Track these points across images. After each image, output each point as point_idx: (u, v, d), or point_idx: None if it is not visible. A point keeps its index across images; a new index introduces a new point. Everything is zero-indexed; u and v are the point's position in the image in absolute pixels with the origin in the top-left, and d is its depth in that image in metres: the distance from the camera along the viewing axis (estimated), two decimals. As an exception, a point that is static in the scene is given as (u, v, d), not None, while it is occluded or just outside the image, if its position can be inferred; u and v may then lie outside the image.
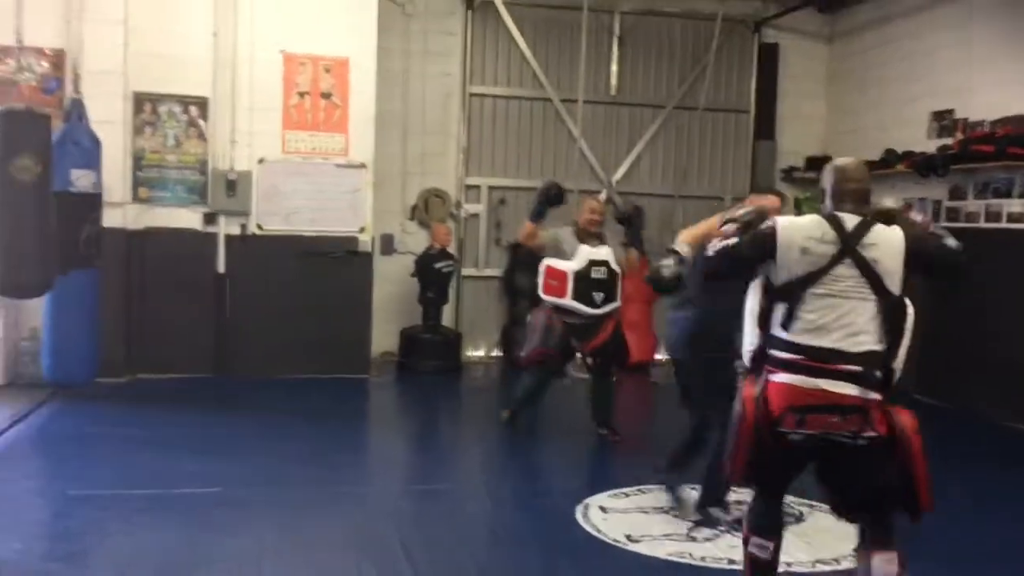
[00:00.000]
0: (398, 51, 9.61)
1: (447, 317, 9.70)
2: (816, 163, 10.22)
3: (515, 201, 10.14)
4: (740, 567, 4.26)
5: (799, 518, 5.05)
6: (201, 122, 8.25)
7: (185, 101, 8.21)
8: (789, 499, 5.14)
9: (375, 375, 8.87)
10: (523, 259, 9.90)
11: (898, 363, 3.31)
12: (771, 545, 3.53)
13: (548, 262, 6.35)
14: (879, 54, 9.77)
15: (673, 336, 4.97)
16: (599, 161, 10.23)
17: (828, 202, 3.44)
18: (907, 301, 3.31)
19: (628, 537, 4.62)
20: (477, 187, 10.10)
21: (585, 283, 6.20)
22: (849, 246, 3.28)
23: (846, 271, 3.28)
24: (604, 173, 10.24)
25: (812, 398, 3.24)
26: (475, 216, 10.11)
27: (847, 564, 4.37)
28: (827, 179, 3.49)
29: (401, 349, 9.43)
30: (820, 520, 4.98)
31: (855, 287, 3.27)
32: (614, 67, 10.23)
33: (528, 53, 10.02)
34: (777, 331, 3.35)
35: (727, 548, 4.53)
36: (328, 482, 5.49)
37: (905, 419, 3.30)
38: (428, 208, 9.92)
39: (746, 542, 3.59)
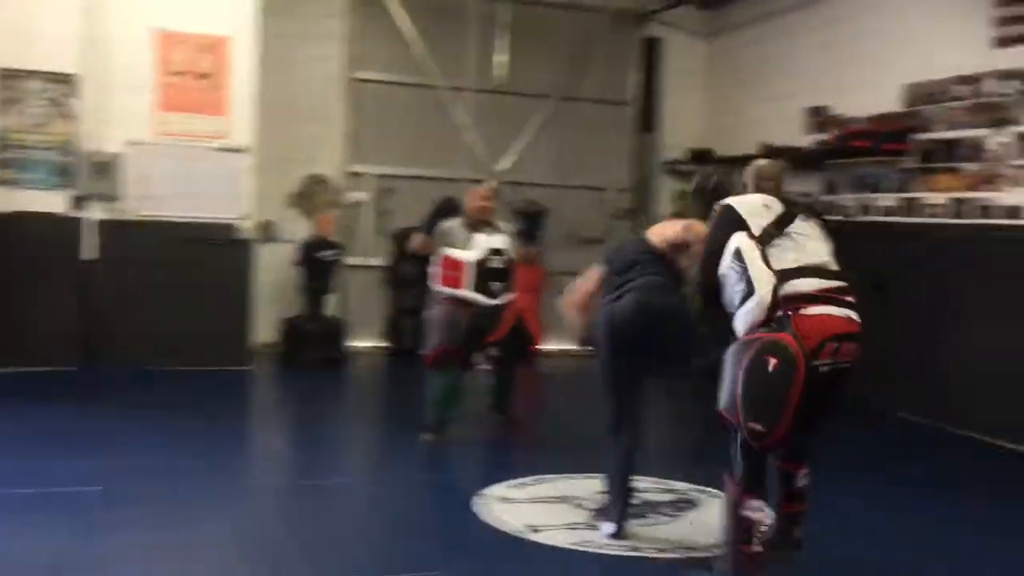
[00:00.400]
0: (279, 33, 9.27)
1: (331, 307, 9.46)
2: (698, 156, 10.47)
3: (401, 189, 9.98)
4: (643, 553, 4.29)
5: (692, 504, 5.10)
6: (68, 100, 7.77)
7: (51, 78, 7.72)
8: (683, 486, 5.25)
9: (256, 367, 8.57)
10: (408, 248, 9.79)
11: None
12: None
13: (446, 251, 6.12)
14: (756, 51, 10.03)
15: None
16: (485, 150, 10.16)
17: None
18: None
19: (529, 527, 4.56)
20: (362, 175, 9.89)
21: (483, 273, 6.03)
22: (800, 207, 3.80)
23: (805, 224, 3.72)
24: (490, 162, 10.18)
25: (842, 326, 3.47)
26: (360, 204, 9.89)
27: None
28: (748, 177, 4.08)
29: (283, 340, 9.15)
30: (715, 507, 5.05)
31: (816, 232, 3.74)
32: (501, 56, 10.18)
33: (412, 39, 9.86)
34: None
35: (629, 535, 4.52)
36: (214, 478, 5.24)
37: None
38: (310, 195, 9.65)
39: (741, 505, 3.60)
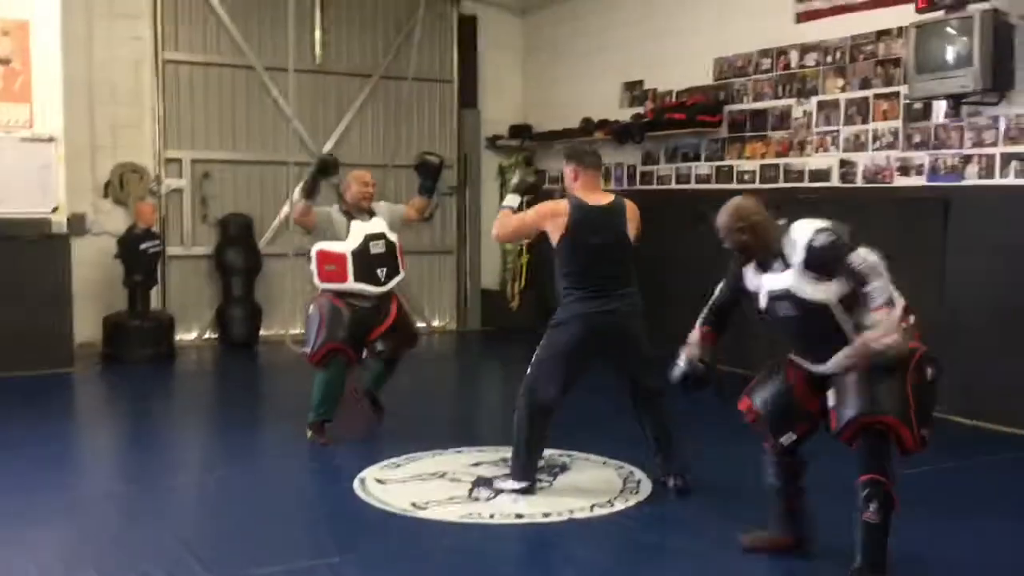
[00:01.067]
0: (80, 11, 8.75)
1: (153, 301, 9.05)
2: (518, 131, 10.70)
3: (221, 175, 9.66)
4: (528, 520, 4.45)
5: (564, 468, 5.30)
6: None
7: None
8: (549, 452, 5.42)
9: (79, 369, 8.10)
10: (234, 235, 9.51)
11: None
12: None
13: (319, 246, 5.77)
14: (570, 27, 10.33)
15: None
16: (308, 132, 9.97)
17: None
18: None
19: (414, 505, 4.62)
20: (178, 161, 9.48)
21: (366, 261, 5.73)
22: None
23: None
24: (314, 144, 10.00)
25: None
26: (178, 192, 9.49)
27: (619, 505, 4.69)
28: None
29: (106, 338, 8.68)
30: (585, 468, 5.29)
31: None
32: (318, 35, 10.00)
33: (226, 18, 9.52)
34: None
35: (510, 504, 4.66)
36: (69, 485, 4.97)
37: None
38: (124, 184, 9.17)
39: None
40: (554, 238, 4.85)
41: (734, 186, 8.31)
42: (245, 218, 9.62)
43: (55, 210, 7.86)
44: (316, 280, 5.86)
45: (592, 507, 4.65)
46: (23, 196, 7.71)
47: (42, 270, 7.80)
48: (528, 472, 4.86)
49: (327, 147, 10.06)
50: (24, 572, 3.79)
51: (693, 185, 8.77)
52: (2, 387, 7.29)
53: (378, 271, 5.80)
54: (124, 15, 9.09)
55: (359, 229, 5.81)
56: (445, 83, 10.73)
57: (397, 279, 5.96)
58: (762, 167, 8.07)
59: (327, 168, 5.86)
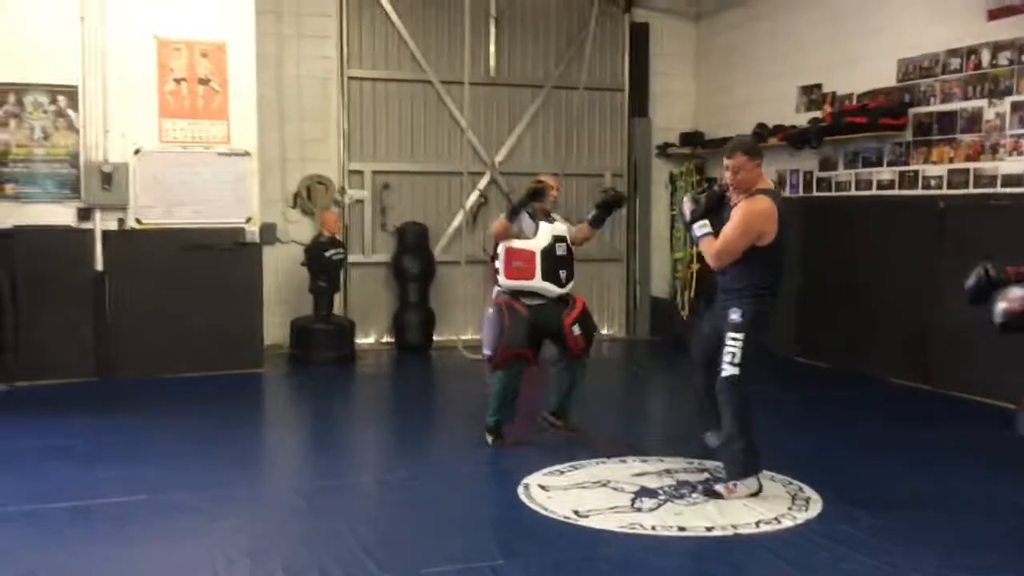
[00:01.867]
0: (272, 34, 9.31)
1: (336, 306, 9.51)
2: (689, 138, 10.58)
3: (399, 185, 10.04)
4: (691, 533, 4.41)
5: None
6: (71, 112, 7.76)
7: (52, 90, 7.71)
8: (713, 464, 5.33)
9: (268, 369, 8.60)
10: (410, 243, 9.86)
11: None
12: None
13: (508, 244, 5.87)
14: (745, 31, 10.14)
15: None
16: (481, 142, 10.22)
17: None
18: None
19: (576, 513, 4.66)
20: (360, 172, 9.92)
21: (552, 260, 5.84)
22: None
23: None
24: (487, 154, 10.24)
25: None
26: (359, 202, 9.93)
27: (787, 522, 4.58)
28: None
29: (292, 341, 9.19)
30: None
31: None
32: (492, 48, 10.23)
33: (406, 35, 9.90)
34: None
35: (673, 516, 4.64)
36: (258, 481, 5.30)
37: None
38: (311, 195, 9.68)
39: None
40: (767, 239, 4.87)
41: (919, 191, 7.94)
42: (421, 227, 9.96)
43: (249, 220, 8.38)
44: (501, 278, 5.94)
45: (758, 523, 4.56)
46: (220, 207, 8.26)
47: (236, 276, 8.33)
48: (752, 468, 4.92)
49: (499, 157, 10.30)
50: (212, 563, 4.08)
51: (874, 191, 8.42)
52: (198, 386, 7.84)
53: (560, 272, 5.88)
54: (312, 36, 9.59)
55: (547, 230, 5.93)
56: (616, 92, 10.75)
57: (572, 283, 6.02)
58: (950, 172, 7.66)
59: (537, 194, 5.97)
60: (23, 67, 7.60)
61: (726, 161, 4.94)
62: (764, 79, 9.80)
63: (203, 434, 6.35)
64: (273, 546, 4.35)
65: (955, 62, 7.58)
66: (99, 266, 7.93)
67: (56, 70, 7.70)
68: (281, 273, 9.40)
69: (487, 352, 5.92)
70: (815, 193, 9.11)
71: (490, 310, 5.95)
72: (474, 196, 10.19)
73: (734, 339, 4.86)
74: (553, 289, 5.88)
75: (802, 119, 9.16)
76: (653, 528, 4.48)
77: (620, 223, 10.78)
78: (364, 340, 9.92)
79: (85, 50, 7.76)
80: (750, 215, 4.86)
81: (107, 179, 7.81)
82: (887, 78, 8.23)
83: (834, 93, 8.88)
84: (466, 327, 10.11)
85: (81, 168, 7.80)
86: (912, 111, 7.96)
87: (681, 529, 4.48)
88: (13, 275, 7.62)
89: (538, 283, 5.85)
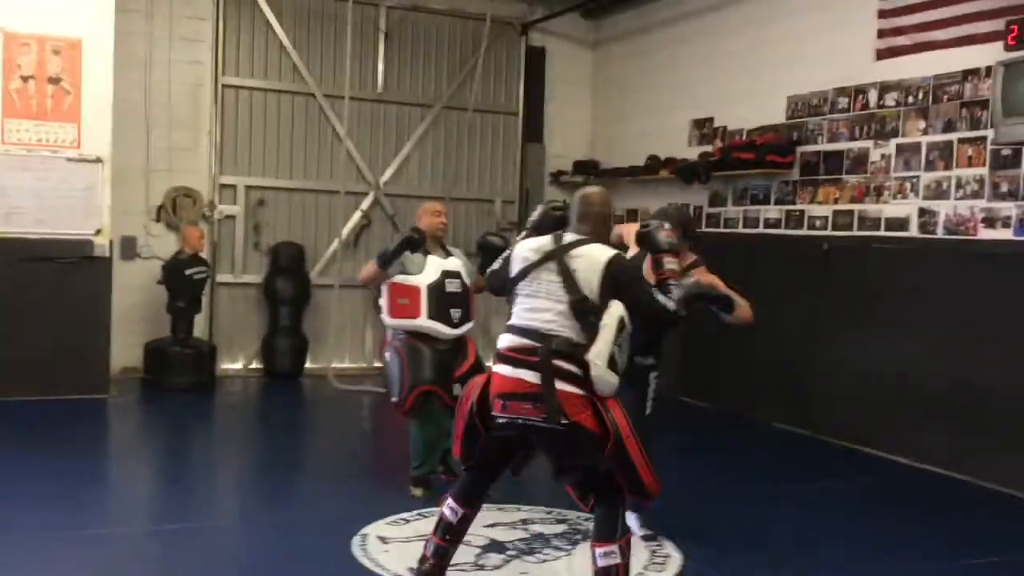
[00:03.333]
0: (140, 34, 8.72)
1: (199, 328, 8.87)
2: (583, 167, 10.30)
3: (275, 202, 9.49)
4: (533, 597, 3.98)
5: (588, 534, 4.81)
6: (-102, 107, 7.05)
7: None
8: (575, 515, 4.96)
9: (115, 395, 7.93)
10: (285, 264, 9.30)
11: (593, 356, 3.51)
12: (461, 511, 3.84)
13: (393, 279, 5.29)
14: (641, 62, 9.91)
15: None
16: (366, 161, 9.75)
17: (573, 222, 3.84)
18: (618, 304, 3.59)
19: (410, 570, 4.19)
20: (232, 187, 9.33)
21: (440, 298, 5.25)
22: (556, 254, 3.68)
23: (548, 275, 3.66)
24: (371, 174, 9.77)
25: (510, 385, 3.57)
26: (231, 218, 9.33)
27: (641, 584, 4.19)
28: (574, 205, 3.90)
29: (146, 364, 8.52)
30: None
31: (552, 288, 3.64)
32: (380, 64, 9.80)
33: (288, 44, 9.39)
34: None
35: (517, 575, 4.21)
36: (63, 526, 4.68)
37: (615, 412, 3.54)
38: (176, 209, 9.05)
39: (444, 503, 3.90)
40: None
41: (805, 232, 7.75)
42: (297, 247, 9.41)
43: (99, 232, 7.73)
44: (386, 317, 5.38)
45: (611, 585, 4.15)
46: (67, 217, 7.62)
47: (82, 292, 7.67)
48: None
49: (384, 178, 9.84)
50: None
51: (761, 229, 8.22)
52: (32, 411, 7.17)
53: (452, 312, 5.30)
54: (185, 39, 9.02)
55: (436, 264, 5.37)
56: (510, 115, 10.42)
57: (468, 325, 5.46)
58: (835, 213, 7.50)
59: (414, 244, 5.28)
60: None
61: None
62: (659, 111, 9.57)
63: (23, 467, 5.68)
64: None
65: (843, 101, 7.44)
66: (-75, 276, 7.21)
67: None
68: (142, 291, 8.73)
69: (394, 399, 5.32)
70: (704, 228, 8.87)
71: (387, 354, 5.39)
72: (356, 217, 9.70)
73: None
74: (443, 330, 5.30)
75: (694, 153, 8.95)
76: (493, 590, 4.05)
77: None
78: (231, 365, 9.30)
79: (-81, 40, 7.08)
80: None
81: (-62, 182, 7.10)
82: (777, 114, 8.06)
83: (725, 128, 8.68)
84: (342, 355, 9.61)
85: (-92, 168, 7.08)
86: (800, 149, 7.79)
87: (525, 591, 4.05)
88: None
89: (424, 322, 5.27)
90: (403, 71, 9.92)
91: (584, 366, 3.49)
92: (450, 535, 3.85)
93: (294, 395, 8.90)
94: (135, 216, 8.86)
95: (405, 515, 4.99)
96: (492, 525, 4.87)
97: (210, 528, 4.87)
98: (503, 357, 3.64)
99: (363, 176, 9.73)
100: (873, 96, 7.17)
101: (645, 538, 4.66)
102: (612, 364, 3.51)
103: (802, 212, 7.79)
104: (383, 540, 4.60)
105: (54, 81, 7.50)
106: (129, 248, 8.81)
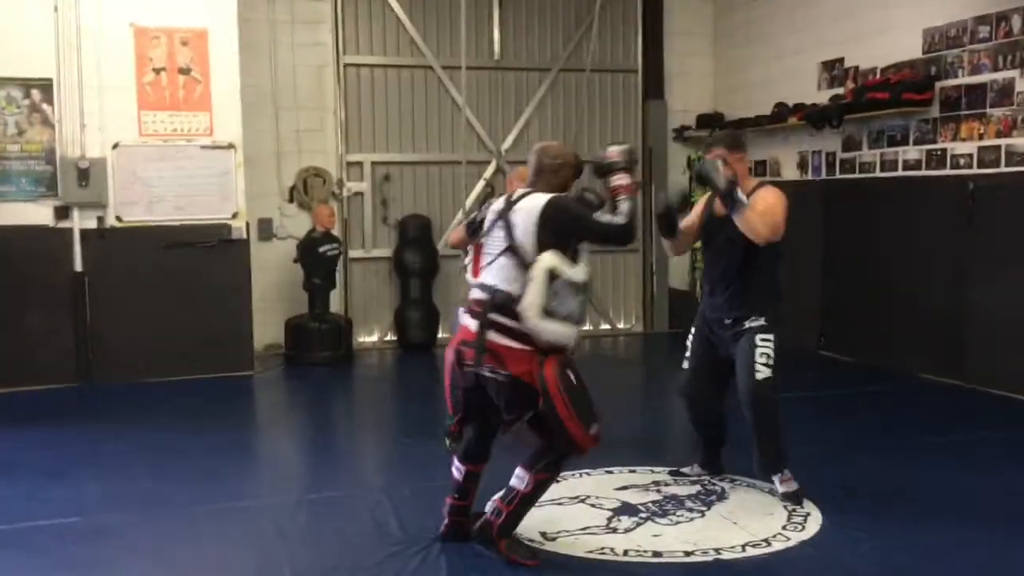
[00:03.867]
0: (262, 20, 8.93)
1: (335, 303, 9.12)
2: (707, 120, 10.01)
3: (400, 176, 9.61)
4: (666, 559, 3.93)
5: (722, 495, 4.72)
6: (46, 107, 7.44)
7: (26, 84, 7.40)
8: (706, 477, 4.86)
9: (260, 371, 8.24)
10: (412, 237, 9.43)
11: (523, 308, 3.65)
12: (464, 468, 4.08)
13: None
14: (764, 6, 9.54)
15: None
16: (486, 130, 9.75)
17: (530, 176, 3.97)
18: (546, 256, 3.68)
19: (543, 535, 4.19)
20: (359, 164, 9.50)
21: None
22: (504, 212, 3.84)
23: (497, 232, 3.83)
24: (492, 142, 9.77)
25: (463, 335, 3.83)
26: (359, 194, 9.52)
27: (778, 545, 4.07)
28: (530, 158, 3.99)
29: (287, 341, 8.82)
30: (747, 498, 4.68)
31: (498, 245, 3.81)
32: (496, 31, 9.75)
33: (404, 18, 9.45)
34: None
35: (651, 538, 4.15)
36: (211, 498, 4.90)
37: (547, 371, 3.68)
38: (308, 189, 9.29)
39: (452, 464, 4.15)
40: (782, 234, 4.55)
41: (947, 171, 7.32)
42: (423, 219, 9.52)
43: (235, 216, 8.00)
44: (469, 277, 5.19)
45: (744, 546, 4.06)
46: (204, 203, 7.89)
47: (223, 274, 7.96)
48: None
49: (505, 145, 9.83)
50: None
51: (900, 172, 7.81)
52: (183, 390, 7.50)
53: None
54: (306, 21, 9.18)
55: None
56: (629, 73, 10.20)
57: None
58: (980, 149, 7.04)
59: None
60: (-6, 60, 7.30)
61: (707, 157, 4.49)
62: (784, 55, 9.20)
63: (175, 443, 5.98)
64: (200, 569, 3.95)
65: (984, 30, 6.95)
66: (78, 266, 7.61)
67: (29, 63, 7.38)
68: (278, 270, 9.03)
69: None
70: (838, 175, 8.51)
71: None
72: (479, 186, 9.73)
73: (766, 340, 4.47)
74: None
75: (824, 96, 8.55)
76: (625, 553, 4.00)
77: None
78: (367, 338, 9.53)
79: (59, 41, 7.42)
80: (781, 200, 4.53)
81: (84, 175, 7.48)
82: (912, 49, 7.61)
83: (856, 68, 8.26)
84: (473, 323, 9.68)
85: (57, 164, 7.47)
86: (938, 84, 7.34)
87: (656, 555, 3.98)
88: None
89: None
90: (519, 36, 9.85)
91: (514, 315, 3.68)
92: (459, 493, 4.10)
93: (428, 366, 9.01)
94: (269, 198, 9.14)
95: (537, 479, 4.98)
96: (624, 488, 4.84)
97: (357, 497, 4.93)
98: (467, 310, 3.88)
99: (484, 145, 9.74)
100: (1017, 23, 6.67)
101: (786, 497, 4.53)
102: (547, 314, 3.63)
103: (944, 151, 7.35)
104: (516, 505, 4.60)
105: (184, 72, 7.78)
106: (266, 229, 9.11)
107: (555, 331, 3.68)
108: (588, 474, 5.06)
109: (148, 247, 7.74)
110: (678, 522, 4.36)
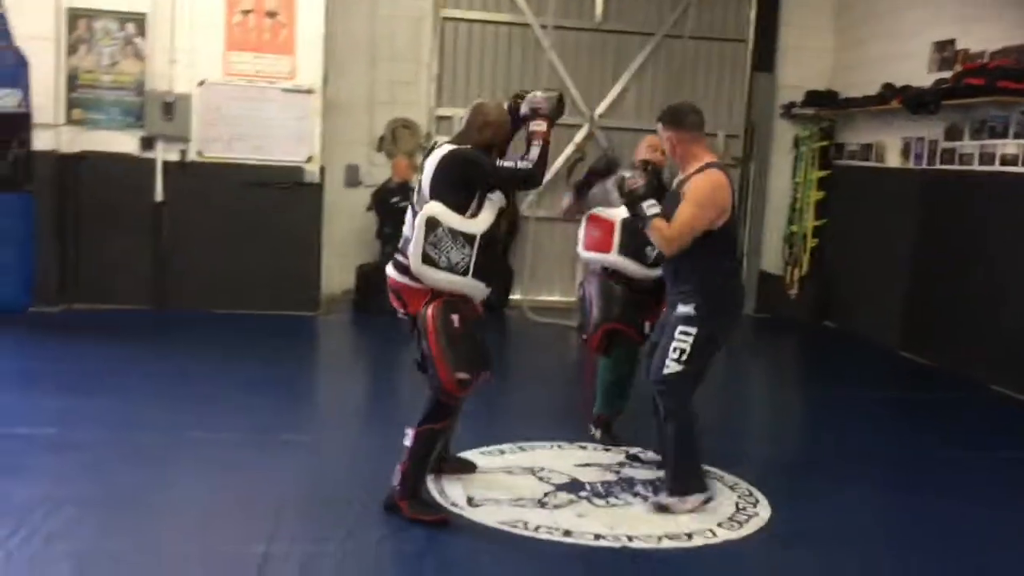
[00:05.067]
0: (364, -32, 9.07)
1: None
2: (816, 98, 9.47)
3: (489, 134, 9.57)
4: (573, 540, 3.82)
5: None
6: (138, 40, 7.84)
7: (122, 17, 7.81)
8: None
9: (324, 313, 8.48)
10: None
11: (409, 254, 3.84)
12: None
13: (594, 211, 4.97)
14: (888, -22, 8.88)
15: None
16: (581, 93, 9.57)
17: (459, 131, 4.06)
18: (430, 204, 3.80)
19: (470, 500, 4.15)
20: (449, 118, 9.52)
21: (635, 234, 4.61)
22: (423, 165, 3.98)
23: (417, 187, 4.00)
24: (586, 106, 9.59)
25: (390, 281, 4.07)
26: (446, 149, 9.56)
27: (698, 541, 3.87)
28: (466, 114, 4.05)
29: (357, 287, 9.02)
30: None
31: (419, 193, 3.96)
32: (600, -9, 9.53)
33: (506, -26, 9.38)
34: None
35: (574, 517, 4.04)
36: (267, 430, 5.10)
37: (429, 308, 3.83)
38: (396, 139, 9.41)
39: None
40: (723, 218, 4.14)
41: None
42: (507, 179, 9.46)
43: (309, 160, 8.22)
44: (580, 248, 5.13)
45: (661, 538, 3.88)
46: (281, 145, 8.14)
47: (296, 216, 8.20)
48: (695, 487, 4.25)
49: (599, 110, 9.62)
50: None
51: (996, 167, 7.15)
52: (247, 323, 7.82)
53: (647, 249, 4.70)
54: (407, -27, 9.26)
55: None
56: (738, 42, 9.74)
57: None
58: (1083, 148, 6.35)
59: (600, 172, 5.06)
60: (94, -6, 7.74)
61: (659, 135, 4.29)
62: (901, 33, 8.53)
63: (234, 371, 6.27)
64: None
65: (1097, 13, 6.23)
66: (159, 196, 8.03)
67: (127, -2, 7.80)
68: (360, 217, 9.22)
69: (583, 336, 5.15)
70: (938, 165, 7.88)
71: (580, 290, 5.25)
72: (570, 149, 9.58)
73: (685, 333, 4.10)
74: (635, 269, 4.85)
75: (932, 79, 7.89)
76: (536, 529, 3.90)
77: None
78: (441, 292, 9.62)
79: (156, -22, 7.81)
80: (712, 189, 4.09)
81: (169, 109, 7.85)
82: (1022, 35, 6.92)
83: (967, 50, 7.59)
84: (551, 288, 9.65)
85: (145, 97, 7.88)
86: (1044, 72, 6.65)
87: (566, 534, 3.87)
88: (77, 199, 7.85)
89: (613, 257, 4.87)
90: (623, -1, 9.59)
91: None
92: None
93: (496, 325, 9.02)
94: (360, 146, 9.31)
95: (504, 446, 4.94)
96: (585, 465, 4.72)
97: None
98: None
99: (577, 108, 9.56)
100: None
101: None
102: (428, 261, 3.76)
103: (1043, 147, 6.68)
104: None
105: (271, 15, 8.01)
106: (352, 176, 9.30)
107: (442, 279, 3.79)
108: (563, 447, 4.97)
109: (226, 183, 8.05)
110: (613, 505, 4.22)
